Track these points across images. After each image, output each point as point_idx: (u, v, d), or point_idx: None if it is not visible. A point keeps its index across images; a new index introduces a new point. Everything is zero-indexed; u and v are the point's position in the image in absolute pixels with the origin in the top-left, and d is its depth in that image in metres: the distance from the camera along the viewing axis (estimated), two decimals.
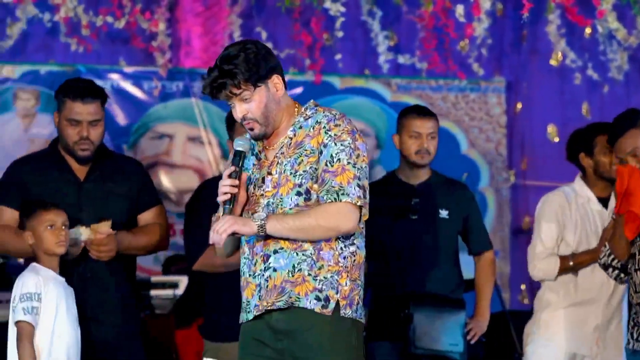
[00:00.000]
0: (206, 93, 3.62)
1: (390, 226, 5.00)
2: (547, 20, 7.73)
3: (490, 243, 5.22)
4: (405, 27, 7.81)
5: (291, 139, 3.66)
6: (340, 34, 7.52)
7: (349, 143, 3.60)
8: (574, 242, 5.18)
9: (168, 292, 6.03)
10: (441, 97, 7.86)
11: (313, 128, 3.64)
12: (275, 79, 3.65)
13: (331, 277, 3.60)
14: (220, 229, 3.55)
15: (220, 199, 3.61)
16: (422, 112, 5.15)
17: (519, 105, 7.98)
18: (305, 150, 3.62)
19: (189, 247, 4.94)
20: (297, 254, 3.58)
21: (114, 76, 7.42)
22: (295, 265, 3.58)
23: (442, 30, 7.68)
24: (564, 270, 5.17)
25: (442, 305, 4.89)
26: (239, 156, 3.64)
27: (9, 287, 5.09)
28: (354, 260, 3.66)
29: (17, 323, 4.21)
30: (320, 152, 3.61)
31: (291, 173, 3.61)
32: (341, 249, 3.63)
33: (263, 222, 3.54)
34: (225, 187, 3.60)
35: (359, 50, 7.80)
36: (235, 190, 3.62)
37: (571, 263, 5.15)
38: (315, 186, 3.60)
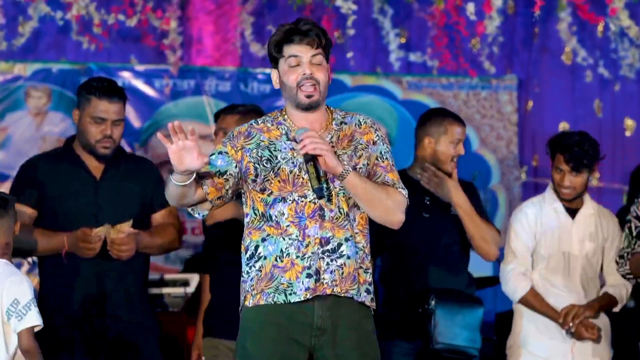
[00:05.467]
0: (293, 27, 3.59)
1: (405, 225, 4.99)
2: (558, 18, 7.72)
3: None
4: (417, 24, 7.81)
5: (337, 132, 3.71)
6: (351, 31, 7.53)
7: (390, 148, 3.78)
8: (547, 253, 5.14)
9: (180, 290, 6.05)
10: (452, 95, 7.85)
11: (359, 126, 3.74)
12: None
13: (369, 270, 3.74)
14: (317, 145, 3.49)
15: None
16: None
17: (530, 103, 7.97)
18: (360, 144, 3.70)
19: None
20: (355, 245, 3.65)
21: (125, 74, 7.43)
22: (356, 257, 3.65)
23: (453, 28, 7.67)
24: (526, 303, 5.13)
25: (463, 301, 4.90)
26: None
27: None
28: None
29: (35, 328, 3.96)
30: (371, 148, 3.70)
31: (349, 165, 3.64)
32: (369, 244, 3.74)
33: (348, 169, 3.55)
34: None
35: (370, 48, 7.80)
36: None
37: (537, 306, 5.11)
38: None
